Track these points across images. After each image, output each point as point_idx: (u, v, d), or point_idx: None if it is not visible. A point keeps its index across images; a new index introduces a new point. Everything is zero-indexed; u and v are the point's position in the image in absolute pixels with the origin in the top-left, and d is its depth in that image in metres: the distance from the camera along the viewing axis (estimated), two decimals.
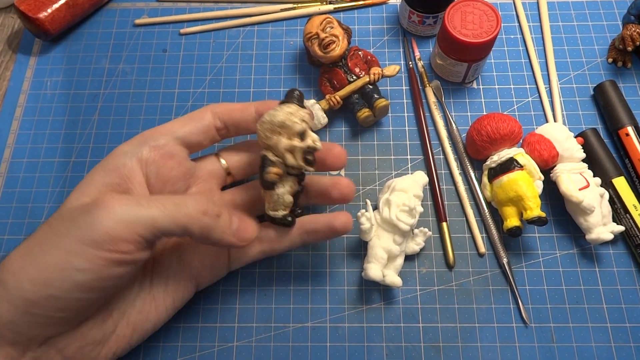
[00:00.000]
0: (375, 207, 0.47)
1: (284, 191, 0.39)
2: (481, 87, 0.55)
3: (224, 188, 0.45)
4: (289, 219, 0.40)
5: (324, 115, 0.50)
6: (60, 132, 0.54)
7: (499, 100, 0.54)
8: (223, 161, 0.44)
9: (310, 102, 0.50)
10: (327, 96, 0.50)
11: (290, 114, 0.37)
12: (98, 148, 0.53)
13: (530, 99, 0.54)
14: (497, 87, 0.54)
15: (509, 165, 0.46)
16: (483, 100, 0.54)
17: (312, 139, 0.38)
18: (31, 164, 0.53)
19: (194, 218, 0.35)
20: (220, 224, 0.36)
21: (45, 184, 0.52)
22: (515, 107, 0.53)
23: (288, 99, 0.39)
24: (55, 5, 0.56)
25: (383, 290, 0.46)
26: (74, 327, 0.35)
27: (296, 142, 0.37)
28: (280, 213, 0.40)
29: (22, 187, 0.52)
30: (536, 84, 0.54)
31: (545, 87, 0.54)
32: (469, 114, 0.53)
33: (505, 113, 0.51)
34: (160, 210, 0.34)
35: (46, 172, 0.52)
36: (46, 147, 0.54)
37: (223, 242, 0.37)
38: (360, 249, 0.48)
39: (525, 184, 0.45)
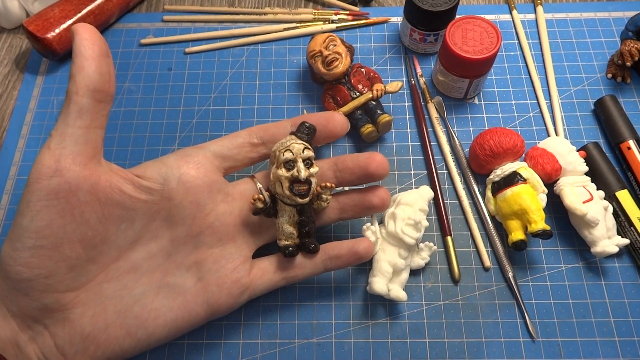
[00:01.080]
0: (381, 221, 0.47)
1: (283, 221, 0.40)
2: (483, 102, 0.55)
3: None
4: (290, 249, 0.40)
5: None
6: None
7: (500, 115, 0.54)
8: (259, 184, 0.43)
9: None
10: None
11: (281, 144, 0.39)
12: None
13: (531, 114, 0.54)
14: (498, 102, 0.55)
15: (513, 179, 0.46)
16: (485, 115, 0.54)
17: (298, 168, 0.38)
18: None
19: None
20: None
21: None
22: (517, 122, 0.54)
23: (296, 130, 0.40)
24: (63, 26, 0.57)
25: (389, 305, 0.46)
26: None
27: (280, 172, 0.38)
28: (282, 243, 0.41)
29: None
30: (537, 99, 0.55)
31: (546, 102, 0.55)
32: (471, 129, 0.54)
33: (507, 128, 0.51)
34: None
35: None
36: None
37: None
38: (365, 263, 0.48)
39: (529, 197, 0.45)
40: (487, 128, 0.53)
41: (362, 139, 0.52)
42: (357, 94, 0.51)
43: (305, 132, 0.40)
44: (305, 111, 0.51)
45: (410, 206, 0.45)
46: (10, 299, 0.35)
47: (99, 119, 0.37)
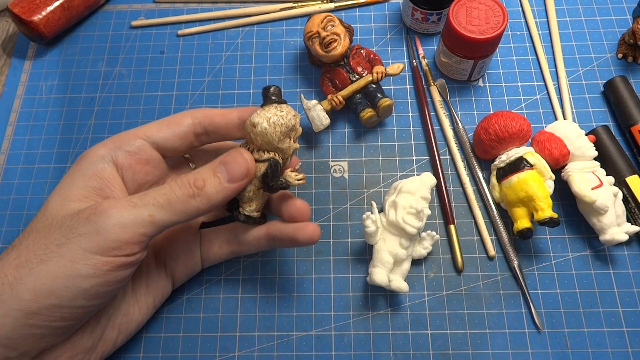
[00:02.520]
0: (381, 210, 0.45)
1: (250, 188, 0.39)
2: (487, 85, 0.53)
3: None
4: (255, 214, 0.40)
5: (326, 116, 0.48)
6: (56, 137, 0.53)
7: (506, 98, 0.52)
8: (191, 165, 0.44)
9: (311, 103, 0.49)
10: (329, 96, 0.49)
11: (294, 116, 0.38)
12: None
13: (538, 96, 0.52)
14: (504, 84, 0.53)
15: (519, 164, 0.44)
16: (490, 98, 0.52)
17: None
18: (26, 170, 0.51)
19: (187, 201, 0.34)
20: (211, 188, 0.35)
21: (40, 191, 0.50)
22: (523, 105, 0.52)
23: (273, 98, 0.38)
24: (50, 8, 0.55)
25: (389, 296, 0.45)
26: (67, 338, 0.35)
27: (296, 145, 0.38)
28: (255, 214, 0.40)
29: (17, 194, 0.50)
30: (544, 81, 0.53)
31: (554, 84, 0.52)
32: (475, 112, 0.52)
33: (513, 111, 0.49)
34: (155, 206, 0.34)
35: (42, 179, 0.51)
36: (41, 153, 0.52)
37: (226, 198, 0.36)
38: (365, 253, 0.46)
39: (536, 183, 0.43)
40: (492, 111, 0.51)
41: (361, 124, 0.50)
42: (357, 76, 0.49)
43: (275, 98, 0.38)
44: (302, 95, 0.49)
45: (412, 194, 0.43)
46: (6, 342, 0.33)
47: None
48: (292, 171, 0.38)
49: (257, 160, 0.37)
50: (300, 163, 0.40)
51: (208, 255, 0.43)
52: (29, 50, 0.58)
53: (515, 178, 0.44)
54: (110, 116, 0.54)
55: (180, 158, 0.44)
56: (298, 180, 0.38)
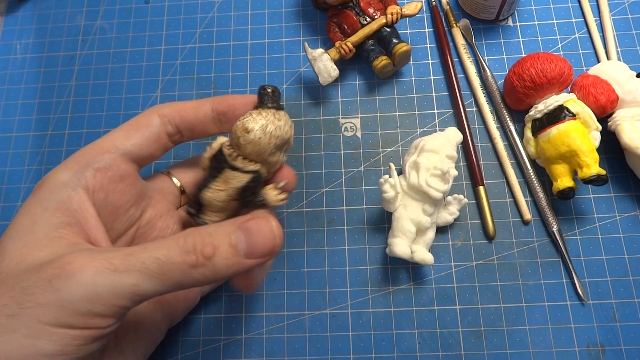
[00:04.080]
0: (400, 172, 0.39)
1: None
2: (518, 24, 0.46)
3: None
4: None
5: (334, 66, 0.42)
6: (34, 101, 0.48)
7: (539, 38, 0.45)
8: (175, 180, 0.37)
9: (317, 52, 0.42)
10: (337, 44, 0.43)
11: (291, 127, 0.32)
12: (77, 118, 0.46)
13: (577, 35, 0.45)
14: (537, 23, 0.46)
15: (559, 114, 0.38)
16: (521, 40, 0.46)
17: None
18: (3, 139, 0.46)
19: (186, 272, 0.27)
20: (223, 260, 0.28)
21: (20, 162, 0.45)
22: (560, 45, 0.45)
23: (270, 103, 0.32)
24: None
25: (412, 269, 0.40)
26: None
27: (284, 158, 0.33)
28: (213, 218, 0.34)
29: None
30: (584, 16, 0.46)
31: (595, 20, 0.45)
32: (504, 57, 0.45)
33: (550, 53, 0.43)
34: (143, 274, 0.26)
35: (20, 148, 0.46)
36: (19, 120, 0.47)
37: (237, 274, 0.29)
38: (383, 222, 0.41)
39: (580, 136, 0.37)
40: (524, 55, 0.44)
41: (375, 74, 0.44)
42: (368, 19, 0.43)
43: (273, 102, 0.32)
44: (306, 44, 0.42)
45: (436, 153, 0.38)
46: None
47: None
48: (275, 188, 0.32)
49: (239, 170, 0.31)
50: (286, 182, 0.33)
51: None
52: None
53: (554, 130, 0.38)
54: (93, 76, 0.48)
55: (158, 173, 0.38)
56: (279, 200, 0.32)
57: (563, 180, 0.38)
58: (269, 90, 0.32)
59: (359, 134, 0.44)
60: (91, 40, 0.49)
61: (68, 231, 0.29)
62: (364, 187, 0.42)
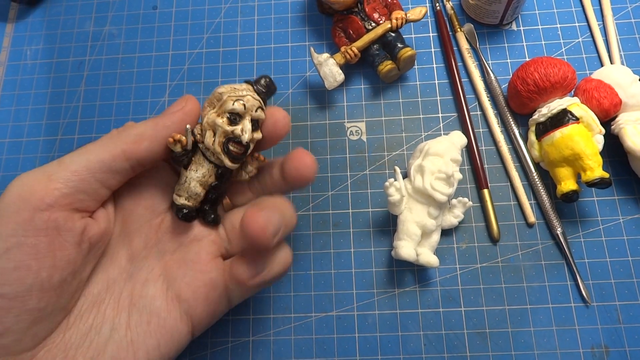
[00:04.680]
0: (405, 175, 0.40)
1: (193, 176, 0.32)
2: (522, 28, 0.47)
3: None
4: (186, 211, 0.32)
5: (340, 71, 0.43)
6: (44, 107, 0.48)
7: (543, 42, 0.46)
8: (188, 125, 0.34)
9: (323, 57, 0.43)
10: (343, 48, 0.43)
11: (234, 89, 0.31)
12: (86, 123, 0.47)
13: (580, 39, 0.46)
14: (540, 27, 0.46)
15: (562, 118, 0.39)
16: (525, 44, 0.46)
17: (244, 128, 0.30)
18: (14, 144, 0.47)
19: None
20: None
21: (31, 166, 0.46)
22: (564, 49, 0.46)
23: (254, 82, 0.32)
24: None
25: (417, 271, 0.40)
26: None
27: (220, 121, 0.30)
28: (180, 201, 0.32)
29: (6, 171, 0.46)
30: (587, 21, 0.46)
31: (599, 25, 0.46)
32: (508, 60, 0.46)
33: (553, 57, 0.43)
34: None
35: (31, 153, 0.47)
36: (30, 125, 0.48)
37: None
38: (389, 224, 0.41)
39: (583, 139, 0.38)
40: (528, 59, 0.45)
41: (380, 78, 0.45)
42: (373, 24, 0.43)
43: (264, 88, 0.32)
44: (312, 49, 0.43)
45: (441, 156, 0.38)
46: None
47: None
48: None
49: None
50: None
51: (238, 284, 0.33)
52: (10, 11, 0.53)
53: (558, 134, 0.39)
54: (102, 81, 0.49)
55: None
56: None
57: (567, 184, 0.39)
58: (267, 78, 0.32)
59: (364, 137, 0.44)
60: (100, 46, 0.50)
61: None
62: (369, 191, 0.43)
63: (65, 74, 0.49)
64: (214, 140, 0.30)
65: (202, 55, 0.49)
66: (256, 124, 0.31)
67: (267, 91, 0.32)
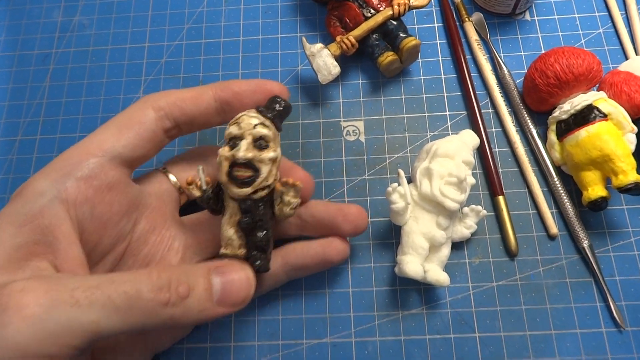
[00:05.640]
0: (410, 180, 0.35)
1: (224, 220, 0.29)
2: (536, 18, 0.42)
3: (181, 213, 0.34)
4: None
5: (335, 63, 0.38)
6: (4, 104, 0.43)
7: (560, 34, 0.41)
8: (173, 177, 0.33)
9: (316, 47, 0.38)
10: (338, 38, 0.38)
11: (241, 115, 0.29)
12: (50, 122, 0.42)
13: (601, 30, 0.41)
14: (556, 17, 0.42)
15: (588, 115, 0.34)
16: (540, 35, 0.41)
17: (240, 146, 0.27)
18: None
19: (155, 310, 0.24)
20: (196, 304, 0.25)
21: None
22: (583, 41, 0.41)
23: (264, 106, 0.29)
24: None
25: (424, 291, 0.35)
26: None
27: (221, 150, 0.28)
28: (221, 251, 0.29)
29: None
30: (608, 10, 0.42)
31: (621, 14, 0.41)
32: (522, 53, 0.41)
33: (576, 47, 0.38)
34: (106, 310, 0.23)
35: None
36: None
37: (205, 320, 0.26)
38: (391, 236, 0.36)
39: (613, 139, 0.33)
40: (543, 51, 0.40)
41: (379, 72, 0.40)
42: (372, 12, 0.39)
43: (274, 110, 0.29)
44: (304, 39, 0.38)
45: (451, 158, 0.33)
46: None
47: None
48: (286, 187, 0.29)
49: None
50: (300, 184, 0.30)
51: None
52: None
53: (583, 133, 0.34)
54: (69, 76, 0.44)
55: (153, 171, 0.34)
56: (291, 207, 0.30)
57: (595, 189, 0.34)
58: (277, 99, 0.29)
59: (362, 138, 0.39)
60: (68, 38, 0.45)
61: (33, 252, 0.25)
62: (368, 198, 0.38)
63: (29, 68, 0.44)
64: (221, 172, 0.28)
65: (181, 47, 0.44)
66: (262, 142, 0.28)
67: (279, 112, 0.29)
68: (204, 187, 0.29)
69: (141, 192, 0.31)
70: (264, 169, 0.28)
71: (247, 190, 0.28)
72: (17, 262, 0.25)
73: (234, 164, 0.27)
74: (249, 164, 0.27)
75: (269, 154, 0.28)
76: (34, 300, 0.22)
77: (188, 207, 0.34)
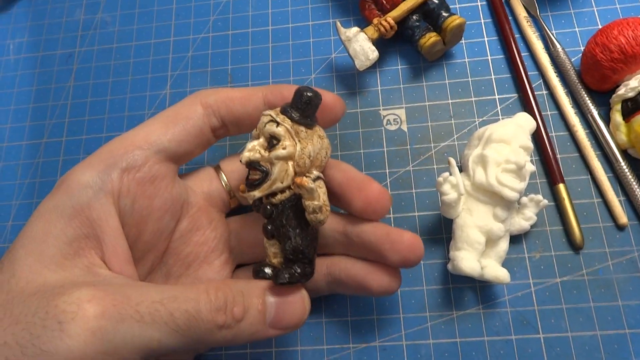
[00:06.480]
0: (461, 169, 0.32)
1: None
2: None
3: (229, 214, 0.33)
4: (259, 269, 0.27)
5: (373, 47, 0.36)
6: (28, 106, 0.42)
7: (618, 6, 0.38)
8: (224, 177, 0.31)
9: (352, 32, 0.36)
10: (375, 20, 0.36)
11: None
12: (76, 123, 0.40)
13: None
14: None
15: None
16: (595, 9, 0.38)
17: (246, 149, 0.26)
18: None
19: (211, 331, 0.23)
20: (249, 326, 0.24)
21: (11, 175, 0.40)
22: None
23: (289, 103, 0.27)
24: None
25: (480, 289, 0.32)
26: None
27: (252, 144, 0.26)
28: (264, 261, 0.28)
29: None
30: None
31: None
32: (577, 29, 0.38)
33: None
34: (167, 329, 0.22)
35: (12, 160, 0.40)
36: (11, 128, 0.41)
37: (255, 341, 0.26)
38: (441, 231, 0.34)
39: None
40: (600, 26, 0.37)
41: (421, 55, 0.37)
42: None
43: (299, 106, 0.26)
44: (338, 23, 0.35)
45: (507, 143, 0.30)
46: None
47: None
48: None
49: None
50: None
51: None
52: None
53: None
54: (93, 75, 0.42)
55: (204, 167, 0.32)
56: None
57: None
58: (304, 93, 0.26)
59: (404, 127, 0.37)
60: (91, 36, 0.44)
61: (84, 246, 0.25)
62: (414, 190, 0.35)
63: (52, 69, 0.43)
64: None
65: (208, 40, 0.42)
66: (272, 140, 0.26)
67: (305, 106, 0.26)
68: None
69: (187, 189, 0.30)
70: (275, 169, 0.25)
71: (255, 193, 0.26)
72: (70, 258, 0.24)
73: (249, 167, 0.26)
74: (257, 167, 0.25)
75: (277, 151, 0.25)
76: (102, 313, 0.21)
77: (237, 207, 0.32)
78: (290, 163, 0.25)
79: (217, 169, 0.31)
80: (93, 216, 0.25)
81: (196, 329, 0.23)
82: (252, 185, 0.26)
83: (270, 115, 0.26)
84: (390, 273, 0.28)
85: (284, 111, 0.26)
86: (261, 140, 0.26)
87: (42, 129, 0.41)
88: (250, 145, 0.26)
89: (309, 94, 0.26)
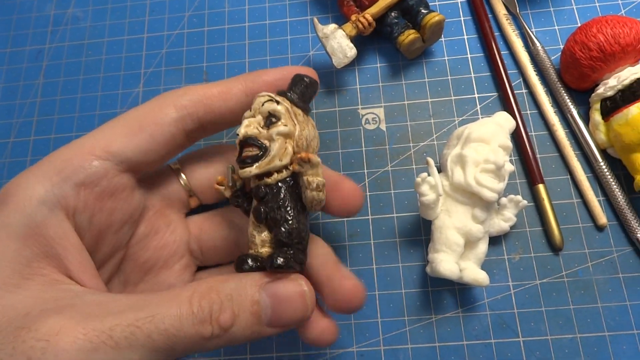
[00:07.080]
0: (440, 170, 0.31)
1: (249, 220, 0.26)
2: None
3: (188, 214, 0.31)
4: (242, 260, 0.25)
5: (351, 45, 0.35)
6: None
7: (597, 4, 0.38)
8: (183, 176, 0.29)
9: (329, 28, 0.35)
10: (354, 17, 0.35)
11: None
12: (44, 122, 0.39)
13: None
14: None
15: (638, 89, 0.30)
16: (575, 7, 0.38)
17: (244, 124, 0.25)
18: None
19: (197, 343, 0.22)
20: (241, 330, 0.22)
21: None
22: (623, 11, 0.37)
23: (287, 89, 0.26)
24: None
25: (459, 292, 0.32)
26: None
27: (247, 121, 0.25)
28: (248, 252, 0.25)
29: None
30: None
31: None
32: (556, 27, 0.37)
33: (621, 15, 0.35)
34: (146, 350, 0.20)
35: None
36: None
37: (257, 340, 0.24)
38: (420, 233, 0.33)
39: None
40: (578, 25, 0.37)
41: (400, 53, 0.36)
42: None
43: (299, 89, 0.25)
44: (316, 19, 0.35)
45: (486, 142, 0.30)
46: None
47: None
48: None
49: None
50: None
51: None
52: None
53: (634, 109, 0.30)
54: (64, 72, 0.41)
55: (162, 168, 0.30)
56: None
57: None
58: (303, 78, 0.26)
59: (383, 126, 0.36)
60: (62, 31, 0.42)
61: (44, 265, 0.23)
62: (392, 191, 0.34)
63: (21, 66, 0.41)
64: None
65: (183, 36, 0.40)
66: (272, 119, 0.24)
67: (293, 87, 0.26)
68: (232, 186, 0.26)
69: (146, 194, 0.28)
70: (275, 146, 0.24)
71: (251, 169, 0.24)
72: (32, 277, 0.22)
73: (244, 144, 0.24)
74: (255, 142, 0.24)
75: (278, 127, 0.24)
76: (73, 345, 0.19)
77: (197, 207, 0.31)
78: (289, 142, 0.24)
79: (177, 170, 0.30)
80: (50, 234, 0.23)
81: (180, 345, 0.21)
82: (246, 162, 0.24)
83: (269, 95, 0.25)
84: (324, 324, 0.26)
85: (282, 93, 0.25)
86: (258, 117, 0.25)
87: (9, 128, 0.39)
88: (246, 121, 0.24)
89: (309, 79, 0.26)
